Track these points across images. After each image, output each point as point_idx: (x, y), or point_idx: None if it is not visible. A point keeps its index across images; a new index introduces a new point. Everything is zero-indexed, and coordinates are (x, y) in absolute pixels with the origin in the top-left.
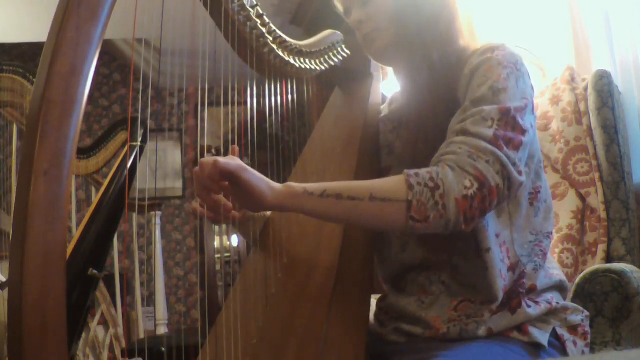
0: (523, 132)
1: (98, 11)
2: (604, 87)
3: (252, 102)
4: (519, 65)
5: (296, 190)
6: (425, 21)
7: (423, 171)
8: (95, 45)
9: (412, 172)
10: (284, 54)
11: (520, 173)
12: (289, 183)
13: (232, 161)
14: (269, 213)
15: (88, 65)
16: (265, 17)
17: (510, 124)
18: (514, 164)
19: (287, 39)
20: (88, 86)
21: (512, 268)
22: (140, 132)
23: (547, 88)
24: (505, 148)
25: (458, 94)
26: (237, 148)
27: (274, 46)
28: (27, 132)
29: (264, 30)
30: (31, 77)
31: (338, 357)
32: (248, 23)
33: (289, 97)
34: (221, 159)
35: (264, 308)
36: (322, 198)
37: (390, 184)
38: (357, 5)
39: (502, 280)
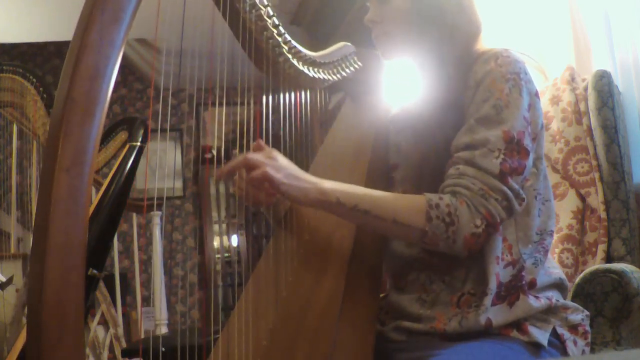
0: (527, 154)
1: (121, 15)
2: (604, 87)
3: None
4: (521, 75)
5: (330, 199)
6: (446, 34)
7: (443, 204)
8: (117, 48)
9: (434, 202)
10: (298, 64)
11: (520, 202)
12: (323, 188)
13: (271, 169)
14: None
15: (110, 67)
16: (280, 28)
17: (515, 150)
18: (517, 195)
19: (302, 49)
20: (110, 88)
21: (512, 264)
22: (140, 132)
23: (547, 88)
24: (510, 181)
25: (464, 102)
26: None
27: (289, 56)
28: (51, 130)
29: (279, 40)
30: (31, 77)
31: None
32: (264, 32)
33: (302, 105)
34: (255, 159)
35: (275, 310)
36: (352, 211)
37: (412, 210)
38: (375, 2)
39: (496, 266)
